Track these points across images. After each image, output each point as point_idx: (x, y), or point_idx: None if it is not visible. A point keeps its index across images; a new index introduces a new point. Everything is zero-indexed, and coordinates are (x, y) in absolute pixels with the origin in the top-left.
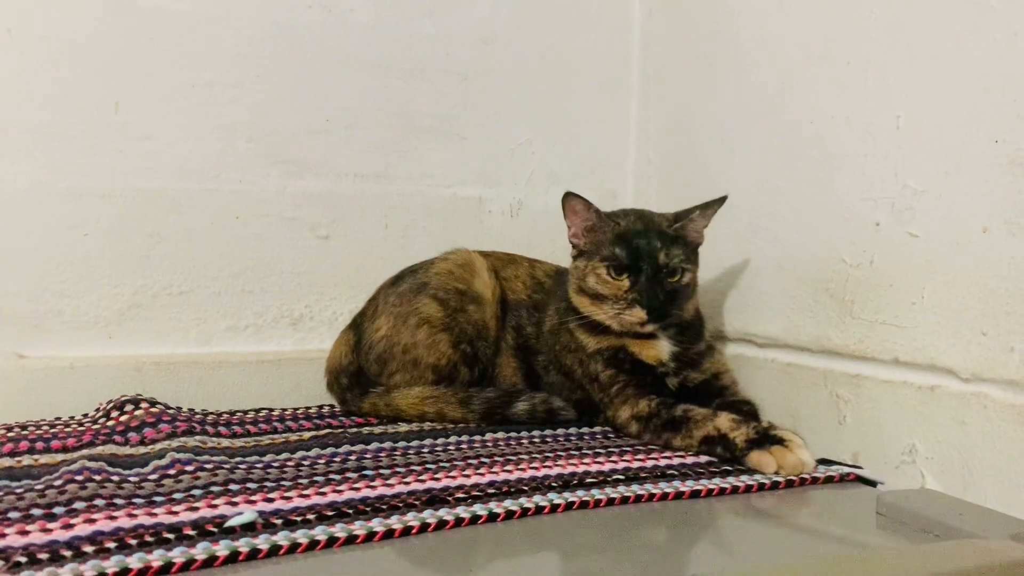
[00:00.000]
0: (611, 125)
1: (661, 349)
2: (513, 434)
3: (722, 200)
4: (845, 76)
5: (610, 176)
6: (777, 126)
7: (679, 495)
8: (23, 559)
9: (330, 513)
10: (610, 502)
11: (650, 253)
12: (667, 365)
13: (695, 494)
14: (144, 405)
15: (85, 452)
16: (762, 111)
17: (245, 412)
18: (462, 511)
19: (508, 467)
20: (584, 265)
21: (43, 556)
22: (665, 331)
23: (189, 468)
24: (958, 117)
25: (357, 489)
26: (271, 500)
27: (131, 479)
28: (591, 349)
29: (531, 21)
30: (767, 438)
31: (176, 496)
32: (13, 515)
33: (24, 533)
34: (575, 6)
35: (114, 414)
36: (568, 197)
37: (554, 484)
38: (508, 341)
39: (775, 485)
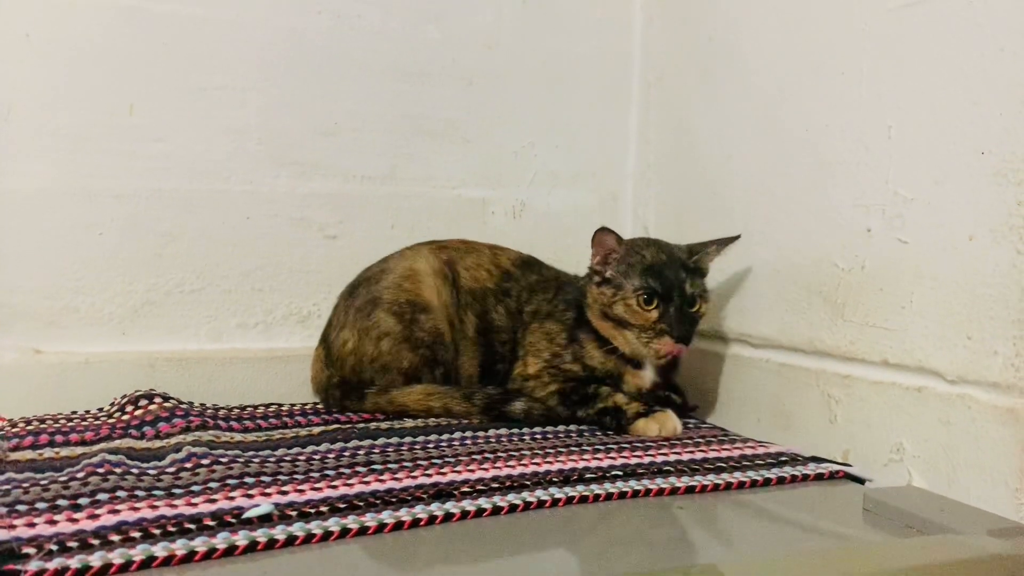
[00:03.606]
0: (611, 129)
1: (645, 380)
2: (515, 431)
3: (736, 238)
4: (839, 87)
5: (610, 179)
6: (773, 133)
7: (674, 490)
8: (55, 547)
9: (342, 505)
10: (608, 497)
11: (679, 285)
12: (640, 393)
13: (690, 489)
14: (158, 400)
15: (104, 445)
16: (759, 118)
17: (255, 407)
18: (468, 504)
19: (511, 462)
20: (612, 293)
21: (73, 544)
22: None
23: (205, 461)
24: (946, 128)
25: (367, 483)
26: (285, 493)
27: (150, 472)
28: (592, 363)
29: (534, 27)
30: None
31: (194, 488)
32: (40, 506)
33: (52, 523)
34: (577, 13)
35: (129, 408)
36: (602, 231)
37: (555, 479)
38: (467, 333)
39: (767, 481)
